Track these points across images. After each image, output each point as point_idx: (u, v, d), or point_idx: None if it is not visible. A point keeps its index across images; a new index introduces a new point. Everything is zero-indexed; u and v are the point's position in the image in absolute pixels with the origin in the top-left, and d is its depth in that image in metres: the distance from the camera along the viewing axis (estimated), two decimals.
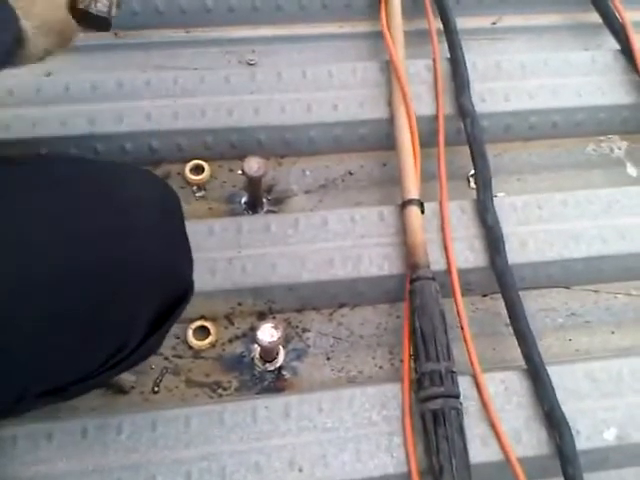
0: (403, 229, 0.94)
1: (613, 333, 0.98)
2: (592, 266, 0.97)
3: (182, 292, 0.68)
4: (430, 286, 0.87)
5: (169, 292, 0.66)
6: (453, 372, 0.82)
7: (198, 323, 0.92)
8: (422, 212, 0.94)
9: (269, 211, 1.03)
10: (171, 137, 1.03)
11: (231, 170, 1.06)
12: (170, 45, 1.20)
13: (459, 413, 0.80)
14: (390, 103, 1.06)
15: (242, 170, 0.94)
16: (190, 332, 0.91)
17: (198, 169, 1.04)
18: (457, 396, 0.81)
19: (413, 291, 0.88)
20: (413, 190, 0.96)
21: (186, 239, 0.69)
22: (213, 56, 1.19)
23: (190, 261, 0.70)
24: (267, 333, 0.82)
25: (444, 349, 0.83)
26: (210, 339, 0.92)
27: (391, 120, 1.04)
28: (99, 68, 1.15)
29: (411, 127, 1.01)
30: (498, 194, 1.03)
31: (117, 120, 1.02)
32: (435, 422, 0.79)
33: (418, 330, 0.85)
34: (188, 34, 1.22)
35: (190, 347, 0.91)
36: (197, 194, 1.03)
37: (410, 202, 0.94)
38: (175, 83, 1.06)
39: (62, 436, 0.78)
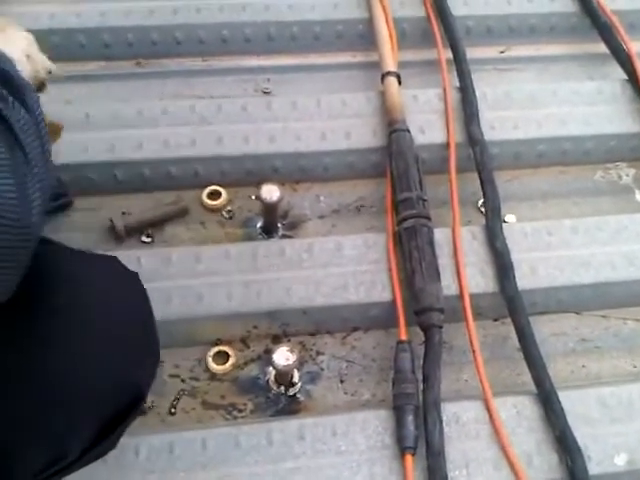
0: (383, 95, 1.11)
1: (623, 358, 0.99)
2: (601, 292, 0.99)
3: (134, 400, 0.66)
4: (405, 136, 1.03)
5: (119, 401, 0.64)
6: (424, 200, 0.96)
7: (217, 349, 0.94)
8: (399, 83, 1.11)
9: (284, 236, 1.05)
10: (189, 164, 1.06)
11: (247, 196, 1.08)
12: (187, 74, 1.24)
13: (429, 230, 0.93)
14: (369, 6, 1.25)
15: (258, 197, 0.96)
16: (210, 358, 0.93)
17: (215, 194, 1.07)
18: (427, 217, 0.94)
19: (391, 141, 1.02)
20: (390, 64, 1.14)
21: (149, 338, 0.68)
22: (229, 85, 1.23)
23: (151, 363, 0.69)
24: (282, 356, 0.84)
25: (416, 182, 0.97)
26: (230, 363, 0.93)
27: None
28: (118, 96, 1.18)
29: (386, 15, 1.21)
30: (508, 220, 1.05)
31: (136, 147, 1.05)
32: (409, 237, 0.92)
33: (395, 170, 0.99)
34: (205, 63, 1.25)
35: (206, 369, 0.93)
36: (215, 219, 1.06)
37: (388, 74, 1.12)
38: (192, 111, 1.09)
39: None
